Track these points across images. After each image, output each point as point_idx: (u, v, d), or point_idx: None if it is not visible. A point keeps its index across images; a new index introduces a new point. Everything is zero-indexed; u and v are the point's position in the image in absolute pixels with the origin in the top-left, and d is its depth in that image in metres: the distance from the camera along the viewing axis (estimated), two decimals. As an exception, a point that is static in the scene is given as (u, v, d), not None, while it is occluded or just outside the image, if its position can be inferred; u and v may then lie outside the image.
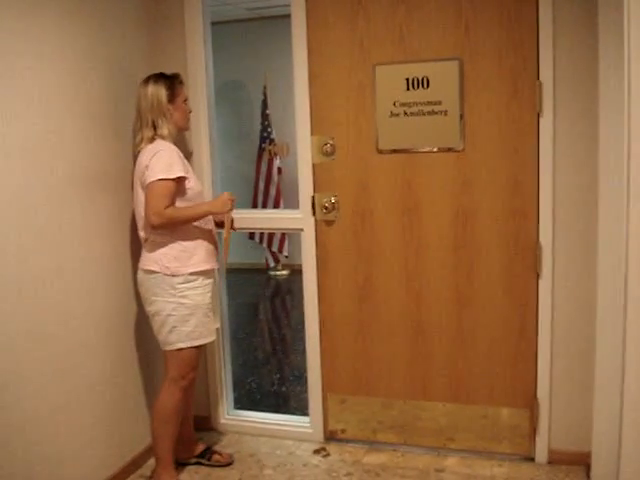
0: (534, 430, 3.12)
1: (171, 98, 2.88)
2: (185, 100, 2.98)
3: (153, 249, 2.86)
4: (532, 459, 3.14)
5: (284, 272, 7.74)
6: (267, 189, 7.38)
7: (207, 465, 3.21)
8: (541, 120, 2.91)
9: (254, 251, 7.59)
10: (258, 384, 4.46)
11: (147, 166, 2.79)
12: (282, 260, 7.67)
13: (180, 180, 2.81)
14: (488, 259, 3.07)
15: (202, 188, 3.03)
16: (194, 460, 3.23)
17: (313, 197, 3.24)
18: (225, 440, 3.48)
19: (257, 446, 3.41)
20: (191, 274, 2.85)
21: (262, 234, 7.33)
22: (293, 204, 3.51)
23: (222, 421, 3.59)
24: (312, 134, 3.20)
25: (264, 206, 7.32)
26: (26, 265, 2.52)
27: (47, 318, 2.63)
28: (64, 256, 2.72)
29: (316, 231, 3.27)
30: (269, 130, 7.32)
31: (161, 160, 2.78)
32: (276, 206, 7.32)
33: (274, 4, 6.34)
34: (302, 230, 3.30)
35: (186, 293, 2.84)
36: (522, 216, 3.00)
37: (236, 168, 7.29)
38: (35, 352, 2.57)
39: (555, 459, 3.10)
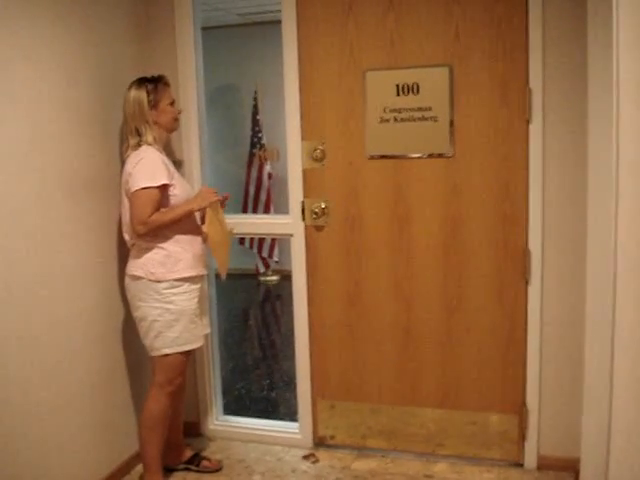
0: (523, 436, 3.12)
1: (154, 103, 2.85)
2: (172, 102, 2.95)
3: (139, 254, 2.85)
4: (521, 465, 3.14)
5: (274, 278, 7.72)
6: (257, 194, 7.36)
7: (196, 471, 3.20)
8: (530, 126, 2.92)
9: (244, 256, 7.55)
10: (247, 390, 4.44)
11: (130, 174, 2.77)
12: (272, 266, 7.64)
13: (164, 187, 2.80)
14: (477, 265, 3.07)
15: (191, 192, 2.99)
16: (182, 466, 3.21)
17: (303, 202, 3.24)
18: (214, 446, 3.47)
19: (246, 452, 3.39)
20: (176, 280, 2.83)
21: (252, 239, 7.31)
22: (283, 209, 3.50)
23: (211, 427, 3.57)
24: (302, 139, 3.20)
25: (254, 211, 7.30)
26: (14, 270, 2.50)
27: (35, 323, 2.61)
28: (52, 261, 2.70)
29: (306, 236, 3.27)
30: (260, 135, 7.31)
31: (144, 168, 2.76)
32: (266, 211, 7.30)
33: (265, 10, 6.35)
34: (292, 235, 3.29)
35: (171, 299, 2.83)
36: (511, 222, 3.01)
37: (228, 172, 7.27)
38: (23, 357, 2.55)
39: (544, 465, 3.10)
